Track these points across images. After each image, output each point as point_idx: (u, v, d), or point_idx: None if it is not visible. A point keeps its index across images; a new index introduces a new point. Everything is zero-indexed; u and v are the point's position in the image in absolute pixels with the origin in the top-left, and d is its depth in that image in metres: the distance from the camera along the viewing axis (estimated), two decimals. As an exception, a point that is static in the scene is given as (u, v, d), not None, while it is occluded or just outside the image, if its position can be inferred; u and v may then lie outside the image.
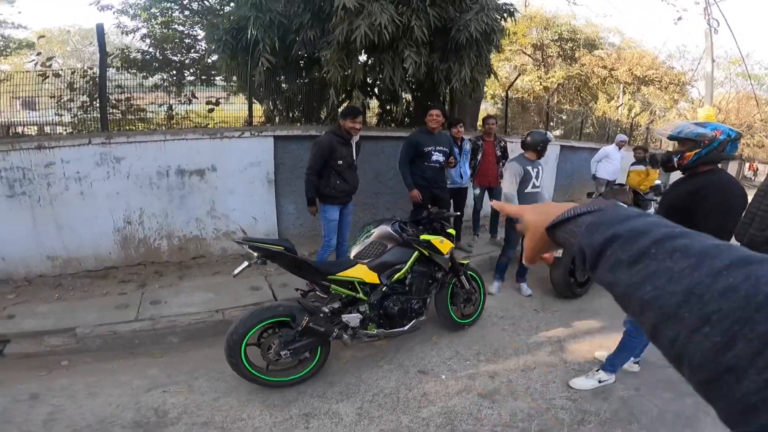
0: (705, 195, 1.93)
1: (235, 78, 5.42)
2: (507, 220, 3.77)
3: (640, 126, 14.03)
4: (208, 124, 5.26)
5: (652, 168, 5.70)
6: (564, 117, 12.43)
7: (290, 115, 5.41)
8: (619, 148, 6.85)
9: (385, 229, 2.73)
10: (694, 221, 1.94)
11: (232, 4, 6.44)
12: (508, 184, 3.51)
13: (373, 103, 5.90)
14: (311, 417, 2.27)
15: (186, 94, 5.45)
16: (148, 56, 7.22)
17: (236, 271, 2.30)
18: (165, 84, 6.47)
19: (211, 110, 5.36)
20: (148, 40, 7.48)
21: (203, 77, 7.21)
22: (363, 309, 2.62)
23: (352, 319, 2.55)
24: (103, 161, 3.78)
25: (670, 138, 2.12)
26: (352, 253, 2.74)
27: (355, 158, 3.48)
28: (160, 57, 7.37)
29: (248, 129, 4.37)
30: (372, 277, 2.63)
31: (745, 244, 2.95)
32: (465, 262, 3.22)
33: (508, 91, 8.45)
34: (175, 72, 7.30)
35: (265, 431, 2.17)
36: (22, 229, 3.58)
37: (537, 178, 3.60)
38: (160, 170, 4.02)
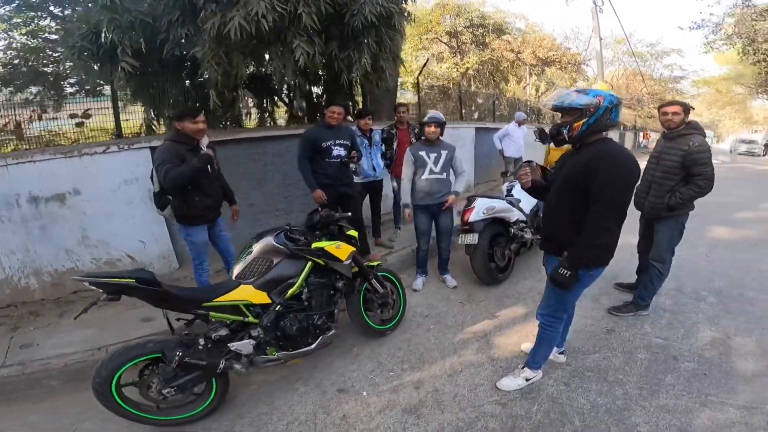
0: (597, 167, 1.82)
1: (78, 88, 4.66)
2: (413, 211, 3.59)
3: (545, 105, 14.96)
4: (78, 140, 4.45)
5: (542, 142, 5.77)
6: (480, 101, 12.84)
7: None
8: (519, 125, 7.13)
9: (268, 242, 2.35)
10: (590, 195, 1.86)
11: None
12: (404, 171, 3.48)
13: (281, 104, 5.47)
14: None
15: (36, 110, 4.55)
16: (11, 69, 6.12)
17: (76, 315, 1.99)
18: (38, 98, 5.46)
19: (79, 124, 4.54)
20: (10, 52, 6.37)
21: (86, 87, 6.24)
22: (256, 333, 2.29)
23: (243, 346, 2.22)
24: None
25: (554, 109, 1.99)
26: (234, 273, 2.35)
27: (211, 167, 2.79)
28: (25, 69, 6.27)
29: (116, 142, 3.71)
30: (261, 297, 2.28)
31: (646, 213, 3.11)
32: (375, 263, 2.95)
33: (419, 78, 8.43)
34: (47, 85, 6.21)
35: None
36: None
37: (437, 163, 3.40)
38: (7, 200, 3.30)
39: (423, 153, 3.41)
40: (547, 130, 2.06)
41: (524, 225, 4.00)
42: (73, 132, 4.47)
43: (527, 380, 2.40)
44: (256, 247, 2.35)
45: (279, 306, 2.32)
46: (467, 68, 16.31)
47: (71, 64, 4.54)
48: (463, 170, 3.58)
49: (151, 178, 2.84)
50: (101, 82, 4.60)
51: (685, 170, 2.83)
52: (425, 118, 3.44)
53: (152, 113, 4.69)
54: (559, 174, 2.10)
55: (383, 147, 4.46)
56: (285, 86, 5.11)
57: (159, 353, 2.03)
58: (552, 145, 2.22)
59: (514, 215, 3.86)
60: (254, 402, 2.37)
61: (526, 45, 17.14)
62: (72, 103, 4.94)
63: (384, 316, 2.97)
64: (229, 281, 2.31)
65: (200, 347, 2.11)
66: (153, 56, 3.99)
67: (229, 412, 2.29)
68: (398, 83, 8.19)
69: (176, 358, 1.99)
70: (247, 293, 2.25)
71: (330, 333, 2.52)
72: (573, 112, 1.91)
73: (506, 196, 4.17)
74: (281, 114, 6.02)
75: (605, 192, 1.81)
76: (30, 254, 3.43)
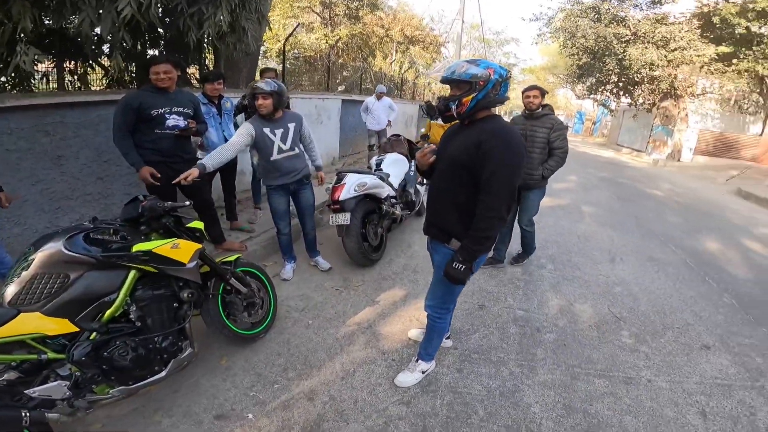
0: (488, 151, 1.67)
1: None
2: (267, 193, 3.10)
3: (408, 81, 15.67)
4: None
5: (430, 118, 5.80)
6: (346, 74, 12.55)
7: None
8: (378, 99, 7.19)
9: (55, 249, 1.59)
10: (481, 181, 1.71)
11: None
12: (234, 138, 2.77)
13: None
14: None
15: None
16: None
17: None
18: None
19: None
20: None
21: None
22: (66, 372, 1.62)
23: (51, 390, 1.57)
24: None
25: (443, 81, 1.79)
26: (7, 298, 1.55)
27: None
28: None
29: None
30: (60, 326, 1.59)
31: (523, 186, 3.35)
32: (233, 258, 2.38)
33: (286, 45, 7.59)
34: None
35: None
36: None
37: (285, 140, 2.89)
38: None
39: (267, 131, 2.83)
40: (434, 104, 1.85)
41: (395, 201, 3.91)
42: None
43: (423, 372, 2.29)
44: (36, 260, 1.58)
45: (94, 333, 1.65)
46: (337, 40, 15.76)
47: None
48: (312, 140, 3.13)
49: None
50: None
51: (548, 145, 3.28)
52: (254, 88, 2.74)
53: None
54: (444, 154, 1.90)
55: (238, 117, 3.75)
56: (106, 45, 3.86)
57: None
58: (440, 120, 2.00)
59: (385, 191, 3.69)
60: None
61: (396, 22, 17.52)
62: None
63: (253, 319, 2.47)
64: (1, 310, 1.54)
65: None
66: None
67: None
68: (261, 49, 7.24)
69: None
70: (35, 324, 1.54)
71: (184, 354, 1.94)
72: (462, 85, 1.73)
73: (375, 170, 3.99)
74: (98, 78, 4.61)
75: (497, 180, 1.67)
76: None
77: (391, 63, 18.11)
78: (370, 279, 3.43)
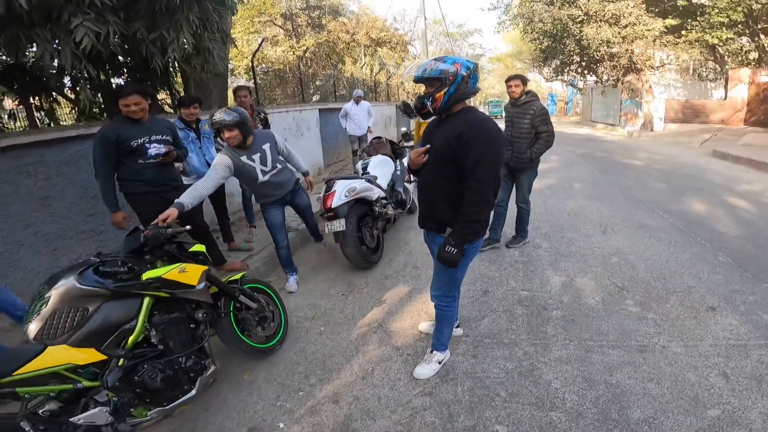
0: (468, 139, 1.75)
1: None
2: (262, 206, 3.11)
3: (381, 82, 15.78)
4: None
5: (409, 117, 5.96)
6: (319, 82, 12.56)
7: None
8: (357, 103, 7.24)
9: (70, 285, 1.60)
10: (465, 170, 1.78)
11: None
12: (208, 174, 2.66)
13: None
14: None
15: None
16: None
17: None
18: None
19: None
20: None
21: None
22: (103, 398, 1.66)
23: (96, 417, 1.61)
24: None
25: (416, 80, 1.87)
26: (31, 334, 1.58)
27: None
28: None
29: None
30: (88, 356, 1.63)
31: (514, 168, 3.61)
32: (239, 276, 2.39)
33: (254, 61, 7.58)
34: None
35: None
36: None
37: (265, 162, 2.85)
38: None
39: (245, 159, 2.77)
40: (411, 104, 1.92)
41: (385, 201, 3.95)
42: None
43: (439, 363, 2.32)
44: (53, 297, 1.59)
45: (122, 360, 1.69)
46: (304, 51, 15.79)
47: None
48: (290, 150, 3.13)
49: None
50: None
51: (534, 129, 3.44)
52: (214, 121, 2.64)
53: None
54: (429, 149, 1.96)
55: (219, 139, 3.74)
56: (67, 77, 3.80)
57: None
58: (419, 118, 2.08)
59: (375, 193, 3.74)
60: None
61: (360, 26, 17.66)
62: None
63: (266, 332, 2.48)
64: (29, 346, 1.58)
65: (29, 429, 1.46)
66: None
67: None
68: (228, 67, 7.21)
69: None
70: (63, 355, 1.57)
71: (209, 372, 1.96)
72: (434, 82, 1.81)
73: (363, 174, 4.02)
74: (65, 112, 4.54)
75: (480, 168, 1.74)
76: None
77: (361, 67, 18.20)
78: (373, 280, 3.45)
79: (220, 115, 2.61)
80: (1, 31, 2.79)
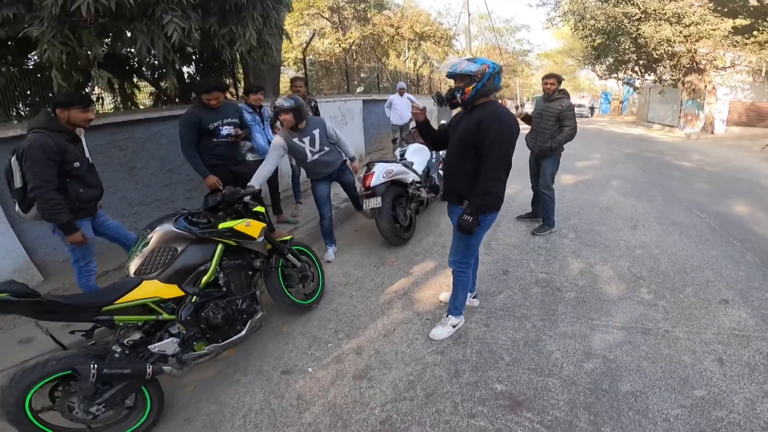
0: (487, 126, 2.09)
1: None
2: (311, 185, 3.57)
3: (424, 76, 15.94)
4: None
5: (439, 106, 6.33)
6: (363, 75, 12.96)
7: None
8: (401, 95, 7.54)
9: (168, 229, 2.07)
10: (482, 149, 2.12)
11: None
12: (268, 156, 3.15)
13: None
14: None
15: None
16: None
17: None
18: None
19: None
20: None
21: None
22: (176, 330, 2.06)
23: (166, 346, 1.99)
24: None
25: (448, 75, 2.24)
26: (131, 269, 2.02)
27: (89, 155, 2.65)
28: None
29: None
30: (171, 291, 2.03)
31: (536, 153, 4.06)
32: (288, 238, 2.82)
33: (306, 53, 8.12)
34: None
35: None
36: None
37: (314, 144, 3.30)
38: None
39: (296, 140, 3.23)
40: (443, 95, 2.30)
41: (419, 185, 4.28)
42: None
43: (454, 327, 2.62)
44: (154, 237, 2.04)
45: (195, 297, 2.09)
46: (350, 44, 16.24)
47: None
48: (340, 137, 3.54)
49: (8, 171, 2.32)
50: None
51: (558, 123, 3.84)
52: (274, 106, 3.15)
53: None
54: (453, 134, 2.33)
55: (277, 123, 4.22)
56: (150, 66, 4.43)
57: (68, 370, 1.72)
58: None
59: (410, 177, 4.08)
60: (197, 403, 2.17)
61: (405, 20, 17.81)
62: None
63: (306, 290, 2.90)
64: (128, 279, 2.00)
65: (116, 356, 1.84)
66: None
67: (173, 420, 2.06)
68: (281, 59, 7.79)
69: (92, 372, 1.71)
70: (154, 289, 1.97)
71: (258, 316, 2.37)
72: (464, 78, 2.15)
73: (400, 160, 4.37)
74: (143, 96, 5.21)
75: (493, 149, 2.08)
76: None
77: (405, 61, 18.40)
78: (402, 255, 3.80)
79: (279, 101, 3.12)
80: (110, 25, 3.36)
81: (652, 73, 15.98)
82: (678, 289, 3.07)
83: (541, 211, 4.22)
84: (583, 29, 15.60)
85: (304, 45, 8.16)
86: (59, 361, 1.72)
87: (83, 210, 2.50)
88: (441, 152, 4.80)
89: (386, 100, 8.11)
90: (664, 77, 15.20)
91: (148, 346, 1.95)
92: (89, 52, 3.21)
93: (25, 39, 3.12)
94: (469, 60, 2.19)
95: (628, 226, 4.38)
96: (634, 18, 13.46)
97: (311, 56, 14.53)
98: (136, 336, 1.96)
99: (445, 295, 2.99)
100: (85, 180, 2.48)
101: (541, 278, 3.28)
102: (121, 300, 1.86)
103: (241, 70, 5.79)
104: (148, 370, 1.87)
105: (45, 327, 1.74)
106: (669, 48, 13.19)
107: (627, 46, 14.29)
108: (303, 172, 4.52)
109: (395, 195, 3.87)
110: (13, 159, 2.29)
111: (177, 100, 4.60)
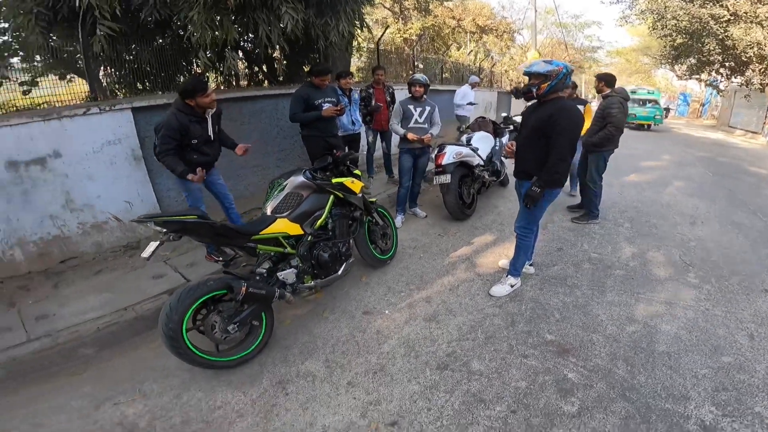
0: (557, 118, 2.49)
1: (39, 57, 4.34)
2: (400, 154, 4.13)
3: (485, 69, 15.91)
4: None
5: (516, 98, 6.62)
6: (421, 66, 13.26)
7: (140, 85, 4.65)
8: (472, 88, 7.75)
9: (298, 178, 2.66)
10: (552, 138, 2.53)
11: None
12: (391, 119, 4.19)
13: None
14: (286, 383, 2.23)
15: None
16: None
17: (146, 253, 2.02)
18: None
19: (26, 92, 4.26)
20: None
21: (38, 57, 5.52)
22: (295, 263, 2.55)
23: (288, 275, 2.47)
24: None
25: (525, 73, 2.66)
26: (268, 209, 2.59)
27: (212, 132, 3.11)
28: None
29: (94, 104, 3.62)
30: (295, 229, 2.56)
31: (583, 147, 4.34)
32: (373, 200, 3.35)
33: (379, 44, 8.63)
34: None
35: (248, 411, 2.05)
36: None
37: (421, 116, 4.08)
38: None
39: (411, 107, 4.07)
40: (520, 89, 2.82)
41: (483, 168, 4.69)
42: (21, 100, 4.20)
43: (512, 286, 3.05)
44: (288, 184, 2.63)
45: (310, 236, 2.62)
46: (413, 35, 16.54)
47: (20, 30, 4.13)
48: (439, 122, 4.26)
49: (156, 133, 3.00)
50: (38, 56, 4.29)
51: (604, 120, 4.07)
52: (411, 80, 4.08)
53: (115, 77, 4.53)
54: (526, 123, 2.77)
55: (362, 105, 4.88)
56: (257, 51, 5.17)
57: (223, 289, 2.13)
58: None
59: (476, 160, 4.52)
60: (294, 334, 2.62)
61: (467, 13, 17.73)
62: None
63: (384, 247, 3.43)
64: (266, 216, 2.54)
65: (257, 278, 2.32)
66: (124, 20, 3.82)
67: (276, 346, 2.50)
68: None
69: (242, 289, 2.09)
70: (285, 225, 2.49)
71: (351, 260, 2.90)
72: (539, 76, 2.57)
73: (467, 145, 4.78)
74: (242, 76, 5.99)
75: (563, 137, 2.50)
76: (12, 223, 3.28)
77: (468, 53, 18.38)
78: (464, 229, 4.24)
79: (417, 76, 4.09)
80: (242, 14, 4.05)
81: (740, 76, 14.78)
82: (724, 277, 3.26)
83: (585, 201, 4.47)
84: (662, 28, 14.76)
85: (378, 37, 8.62)
86: (216, 281, 2.13)
87: (195, 166, 3.05)
88: (504, 140, 5.16)
89: (449, 90, 8.33)
90: (752, 81, 14.03)
91: (276, 273, 2.45)
92: (226, 36, 3.91)
93: (163, 22, 3.82)
94: (545, 62, 2.59)
95: (686, 222, 4.49)
96: (722, 20, 12.57)
97: (372, 45, 15.00)
98: (267, 266, 2.45)
99: (503, 262, 3.40)
100: (199, 150, 3.03)
101: (593, 257, 3.59)
102: (264, 231, 2.38)
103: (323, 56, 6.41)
104: (276, 293, 2.34)
105: (172, 265, 2.27)
106: (759, 51, 12.19)
107: (712, 48, 13.36)
108: (378, 147, 5.23)
109: (461, 175, 4.33)
110: (155, 127, 2.99)
111: (280, 79, 5.28)
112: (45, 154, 3.37)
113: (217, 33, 3.74)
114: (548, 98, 2.59)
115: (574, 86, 4.68)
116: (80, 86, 4.41)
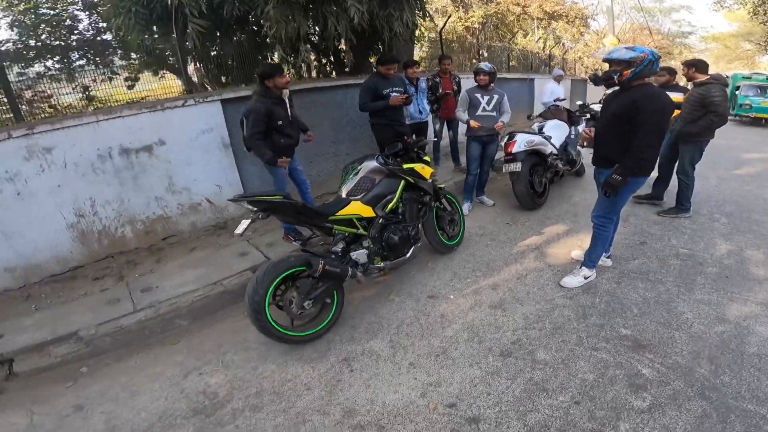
0: (642, 104, 2.35)
1: (134, 54, 4.91)
2: (467, 142, 4.12)
3: (556, 56, 15.00)
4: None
5: (595, 85, 6.22)
6: (485, 54, 12.84)
7: (224, 79, 5.08)
8: (558, 83, 7.33)
9: (372, 163, 2.79)
10: (636, 125, 2.39)
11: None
12: (458, 108, 4.21)
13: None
14: (351, 360, 2.33)
15: (105, 73, 4.84)
16: (20, 45, 6.19)
17: (239, 230, 2.22)
18: (50, 72, 5.59)
19: (131, 86, 4.86)
20: (16, 29, 6.41)
21: (97, 59, 6.33)
22: (366, 244, 2.67)
23: (360, 255, 2.60)
24: (31, 155, 3.32)
25: (605, 60, 2.53)
26: (344, 192, 2.74)
27: (290, 112, 3.41)
28: (38, 44, 6.34)
29: (190, 96, 4.06)
30: (368, 212, 2.69)
31: (673, 137, 3.98)
32: (442, 186, 3.40)
33: (442, 34, 8.56)
34: (59, 57, 6.32)
35: (315, 385, 2.18)
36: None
37: (489, 104, 4.06)
38: (101, 153, 3.64)
39: (478, 95, 4.07)
40: (599, 76, 2.70)
41: (556, 157, 4.49)
42: (124, 94, 4.77)
43: (585, 278, 2.90)
44: (362, 169, 2.77)
45: (382, 219, 2.74)
46: (472, 22, 16.07)
47: (121, 29, 4.70)
48: (509, 110, 4.20)
49: (241, 123, 3.30)
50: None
51: (704, 108, 3.68)
52: (476, 68, 4.08)
53: (204, 71, 4.99)
54: (607, 110, 2.64)
55: (429, 93, 4.91)
56: (325, 44, 5.42)
57: (303, 265, 2.27)
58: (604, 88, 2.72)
59: (549, 148, 4.34)
60: (361, 315, 2.71)
61: (533, -1, 16.80)
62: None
63: (451, 233, 3.46)
64: (342, 199, 2.70)
65: (333, 257, 2.48)
66: (209, 17, 4.20)
67: (344, 325, 2.61)
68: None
69: (320, 266, 2.23)
70: (358, 208, 2.64)
71: (419, 244, 2.97)
72: (620, 63, 2.44)
73: (539, 133, 4.60)
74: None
75: (649, 123, 2.35)
76: (124, 204, 3.77)
77: (536, 41, 17.46)
78: (534, 219, 4.12)
79: (482, 65, 4.06)
80: (311, 7, 4.26)
81: None
82: (837, 282, 2.82)
83: (677, 195, 4.09)
84: (764, 14, 12.96)
85: (440, 26, 8.55)
86: (297, 257, 2.30)
87: (283, 153, 3.33)
88: (580, 128, 4.87)
89: (517, 78, 8.01)
90: None
91: (349, 253, 2.59)
92: (298, 29, 4.15)
93: (242, 17, 4.08)
94: (627, 48, 2.46)
95: (795, 220, 3.95)
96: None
97: (433, 34, 14.82)
98: (341, 246, 2.61)
99: (576, 253, 3.26)
100: (285, 132, 3.30)
101: (682, 253, 3.31)
102: (339, 213, 2.54)
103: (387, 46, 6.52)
104: (349, 272, 2.47)
105: (254, 244, 2.44)
106: None
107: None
108: (445, 135, 5.20)
109: (533, 163, 4.19)
110: (242, 116, 3.24)
111: (346, 70, 5.48)
112: (152, 142, 3.84)
113: (290, 26, 3.98)
114: (632, 84, 2.46)
115: (672, 72, 4.30)
116: (171, 81, 4.94)
